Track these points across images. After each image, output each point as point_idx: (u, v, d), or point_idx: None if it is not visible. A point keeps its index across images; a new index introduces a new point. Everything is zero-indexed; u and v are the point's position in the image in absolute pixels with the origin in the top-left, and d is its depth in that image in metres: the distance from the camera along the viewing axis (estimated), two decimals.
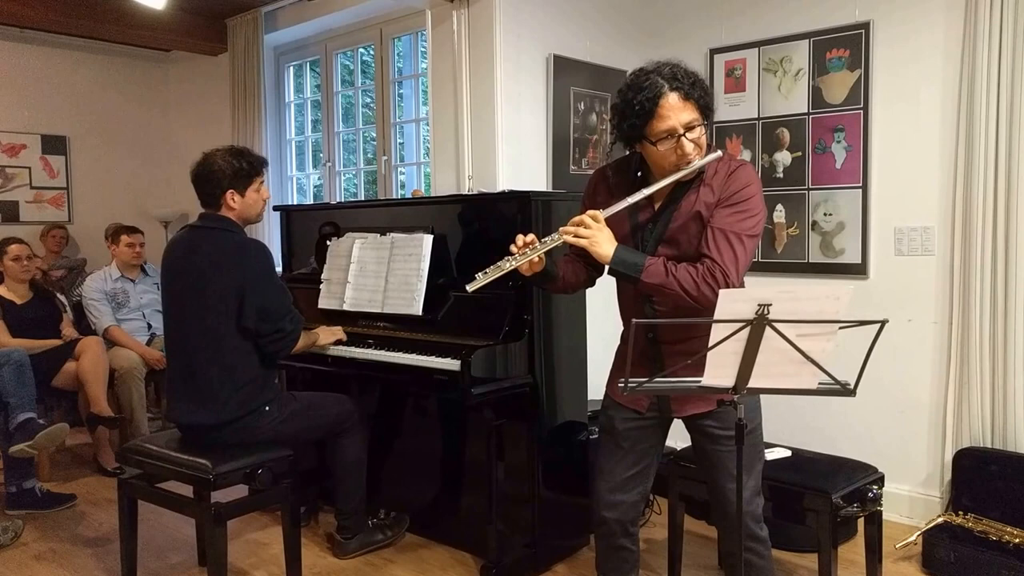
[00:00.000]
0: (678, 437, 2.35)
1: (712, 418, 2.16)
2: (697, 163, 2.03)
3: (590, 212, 2.05)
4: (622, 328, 2.29)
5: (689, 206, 2.08)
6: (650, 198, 2.10)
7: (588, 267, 2.29)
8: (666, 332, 2.14)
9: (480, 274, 2.09)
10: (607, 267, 2.08)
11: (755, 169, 2.15)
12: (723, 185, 2.06)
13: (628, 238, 2.13)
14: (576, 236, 2.03)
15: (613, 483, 2.25)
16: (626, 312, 2.26)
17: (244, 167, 2.90)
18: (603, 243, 2.02)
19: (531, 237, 2.11)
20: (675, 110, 1.98)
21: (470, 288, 2.10)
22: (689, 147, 2.01)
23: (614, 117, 2.09)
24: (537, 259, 2.10)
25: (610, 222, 2.06)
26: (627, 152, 2.18)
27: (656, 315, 2.13)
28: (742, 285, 2.08)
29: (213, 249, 2.84)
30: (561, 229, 2.06)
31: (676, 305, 2.04)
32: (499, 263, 2.08)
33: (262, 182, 2.98)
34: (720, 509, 2.22)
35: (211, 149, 2.94)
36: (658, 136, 2.00)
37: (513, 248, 2.10)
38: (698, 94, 2.02)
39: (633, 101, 2.00)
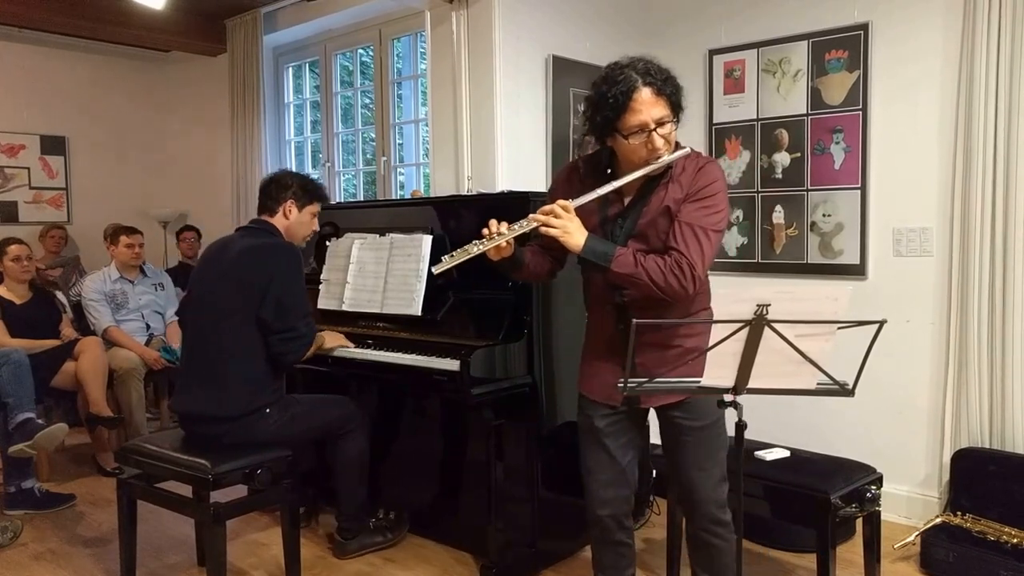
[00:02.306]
0: None
1: (680, 409, 2.20)
2: (666, 158, 2.07)
3: (560, 202, 2.08)
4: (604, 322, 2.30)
5: (659, 202, 2.12)
6: (619, 193, 2.15)
7: (552, 259, 2.34)
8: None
9: (446, 256, 2.13)
10: (578, 256, 2.11)
11: (721, 167, 2.21)
12: (691, 181, 2.11)
13: (597, 230, 2.17)
14: (547, 225, 2.06)
15: (603, 480, 2.30)
16: (593, 302, 2.30)
17: (311, 187, 3.13)
18: (574, 233, 2.06)
19: (503, 224, 2.13)
20: (647, 105, 2.03)
21: (436, 270, 2.16)
22: (659, 142, 2.05)
23: (587, 109, 2.14)
24: (505, 244, 2.14)
25: (579, 214, 2.10)
26: (598, 146, 2.22)
27: (625, 304, 2.17)
28: (707, 278, 2.15)
29: (249, 245, 2.95)
30: (531, 216, 2.09)
31: (644, 295, 2.08)
32: (466, 247, 2.11)
33: (318, 210, 3.16)
34: (686, 496, 2.28)
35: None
36: (630, 130, 2.04)
37: (484, 232, 2.13)
38: (670, 90, 2.07)
39: (607, 94, 2.04)
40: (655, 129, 2.04)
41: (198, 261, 3.23)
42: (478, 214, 3.23)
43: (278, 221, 3.05)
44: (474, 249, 2.10)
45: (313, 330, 3.00)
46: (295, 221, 3.07)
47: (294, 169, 5.51)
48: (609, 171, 2.19)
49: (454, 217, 3.28)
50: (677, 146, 2.12)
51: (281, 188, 3.06)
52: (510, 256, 2.20)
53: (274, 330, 2.84)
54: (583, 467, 2.34)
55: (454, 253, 2.12)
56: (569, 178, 2.29)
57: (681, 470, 2.24)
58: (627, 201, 2.17)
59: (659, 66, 2.07)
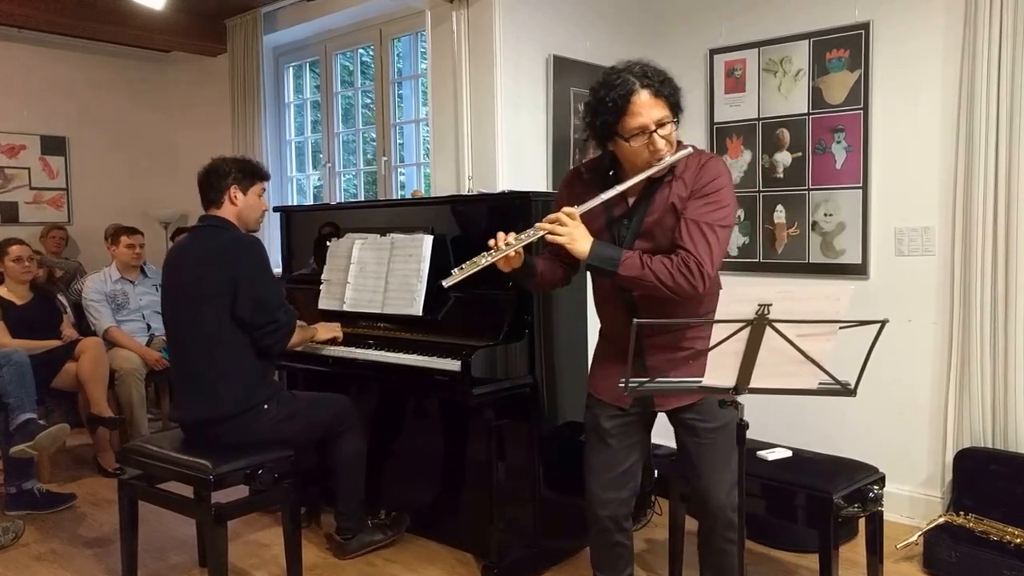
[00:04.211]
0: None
1: (693, 411, 2.20)
2: (669, 159, 2.08)
3: (565, 209, 2.08)
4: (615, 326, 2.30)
5: (663, 200, 2.12)
6: (624, 194, 2.14)
7: (564, 266, 2.33)
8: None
9: (456, 270, 2.13)
10: (583, 264, 2.11)
11: (725, 163, 2.21)
12: (695, 178, 2.11)
13: (603, 233, 2.17)
14: (552, 233, 2.07)
15: (604, 481, 2.30)
16: (603, 306, 2.30)
17: (249, 167, 3.04)
18: (580, 240, 2.07)
19: (511, 235, 2.13)
20: (646, 107, 2.04)
21: (446, 283, 2.15)
22: (661, 143, 2.06)
23: (587, 115, 2.14)
24: (514, 254, 2.14)
25: (585, 218, 2.10)
26: (600, 151, 2.22)
27: (635, 300, 2.17)
28: (717, 275, 2.13)
29: (208, 246, 2.91)
30: (537, 225, 2.10)
31: (653, 296, 2.08)
32: (475, 259, 2.11)
33: (264, 190, 3.08)
34: (702, 502, 2.27)
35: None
36: (631, 133, 2.05)
37: (491, 243, 2.13)
38: (668, 91, 2.08)
39: (606, 99, 2.05)
40: (655, 131, 2.05)
41: (163, 271, 3.15)
42: (479, 214, 3.24)
43: (227, 211, 2.97)
44: (482, 261, 2.10)
45: (292, 315, 2.99)
46: (244, 205, 2.99)
47: (292, 168, 5.54)
48: (612, 173, 2.19)
49: (455, 217, 3.28)
50: (679, 146, 2.12)
51: (220, 176, 2.96)
52: (521, 266, 2.19)
53: (256, 326, 2.85)
54: (586, 465, 2.34)
55: (463, 266, 2.11)
56: (571, 184, 2.30)
57: (699, 476, 2.23)
58: (631, 201, 2.17)
59: (656, 68, 2.09)
